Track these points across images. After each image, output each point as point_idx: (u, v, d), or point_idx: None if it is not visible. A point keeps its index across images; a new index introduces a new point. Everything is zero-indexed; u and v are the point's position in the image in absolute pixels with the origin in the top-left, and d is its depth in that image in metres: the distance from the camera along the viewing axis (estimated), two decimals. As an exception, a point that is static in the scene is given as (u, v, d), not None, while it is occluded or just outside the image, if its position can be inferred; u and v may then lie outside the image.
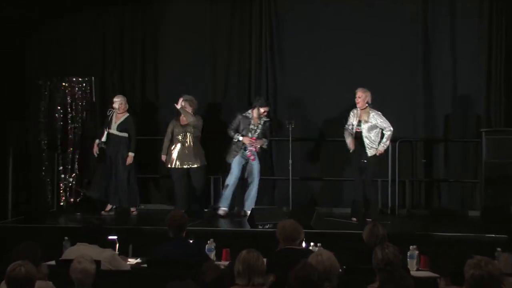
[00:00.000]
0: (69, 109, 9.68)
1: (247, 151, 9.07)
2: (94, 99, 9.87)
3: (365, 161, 8.63)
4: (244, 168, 9.20)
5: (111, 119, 9.26)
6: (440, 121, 9.89)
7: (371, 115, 8.67)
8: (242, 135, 9.05)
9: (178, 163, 9.10)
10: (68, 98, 9.67)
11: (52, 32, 10.26)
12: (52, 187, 9.61)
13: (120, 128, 9.24)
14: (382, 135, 8.72)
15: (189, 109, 9.06)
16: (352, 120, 8.77)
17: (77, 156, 9.75)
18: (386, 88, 9.62)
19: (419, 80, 9.87)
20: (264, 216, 8.13)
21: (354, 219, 8.74)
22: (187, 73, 10.18)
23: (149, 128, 10.07)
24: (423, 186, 9.93)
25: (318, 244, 5.97)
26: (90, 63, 10.23)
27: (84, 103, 9.77)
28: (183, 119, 9.13)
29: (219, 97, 10.28)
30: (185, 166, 9.09)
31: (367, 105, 8.68)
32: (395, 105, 9.60)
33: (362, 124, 8.69)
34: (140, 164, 9.66)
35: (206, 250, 5.95)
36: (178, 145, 9.12)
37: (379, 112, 8.69)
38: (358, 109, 8.75)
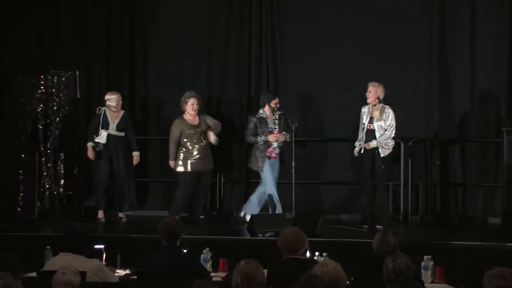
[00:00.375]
0: (51, 105, 9.70)
1: (270, 148, 9.06)
2: (78, 94, 9.86)
3: (378, 162, 8.63)
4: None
5: (106, 118, 9.19)
6: (457, 119, 9.91)
7: (384, 112, 8.67)
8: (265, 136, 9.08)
9: (194, 166, 9.15)
10: (51, 94, 9.67)
11: (34, 24, 10.29)
12: (33, 191, 9.61)
13: (120, 127, 9.23)
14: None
15: (195, 108, 9.16)
16: (364, 117, 8.78)
17: (62, 157, 9.74)
18: (398, 83, 9.65)
19: (434, 75, 9.91)
20: (265, 223, 8.13)
21: (365, 226, 8.75)
22: (180, 69, 10.24)
23: (139, 127, 10.10)
24: (438, 190, 9.95)
25: (324, 254, 5.97)
26: (73, 56, 10.26)
27: (68, 99, 9.76)
28: (194, 119, 9.18)
29: (215, 96, 10.32)
30: (200, 169, 9.16)
31: (377, 101, 8.68)
32: (407, 102, 9.63)
33: (374, 121, 8.69)
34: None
35: (201, 260, 5.95)
36: (195, 147, 9.15)
37: (392, 112, 8.69)
38: (370, 105, 8.75)
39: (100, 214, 9.24)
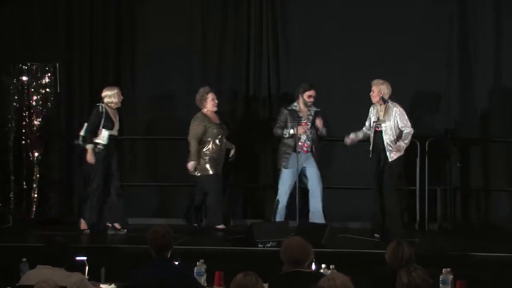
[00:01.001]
0: (27, 101, 9.73)
1: (301, 141, 9.09)
2: (58, 89, 9.88)
3: (387, 166, 8.69)
4: (302, 174, 9.25)
5: (109, 116, 9.12)
6: (479, 117, 9.95)
7: (392, 112, 8.73)
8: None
9: (218, 169, 9.24)
10: (28, 88, 9.71)
11: (9, 12, 10.31)
12: (3, 197, 9.62)
13: (119, 126, 9.26)
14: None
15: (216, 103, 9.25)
16: (372, 117, 8.86)
17: (39, 157, 9.76)
18: (413, 78, 9.72)
19: (454, 69, 9.94)
20: (266, 232, 8.17)
21: (377, 235, 8.77)
22: (171, 62, 10.30)
23: (125, 126, 10.13)
24: (458, 196, 9.97)
25: (331, 266, 5.98)
26: (53, 47, 10.28)
27: (47, 94, 9.77)
28: (216, 117, 9.26)
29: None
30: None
31: (381, 100, 8.75)
32: (424, 98, 9.68)
33: (382, 121, 8.75)
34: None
35: (195, 273, 5.96)
36: (218, 148, 9.21)
37: (403, 110, 8.73)
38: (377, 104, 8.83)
39: (84, 225, 9.17)
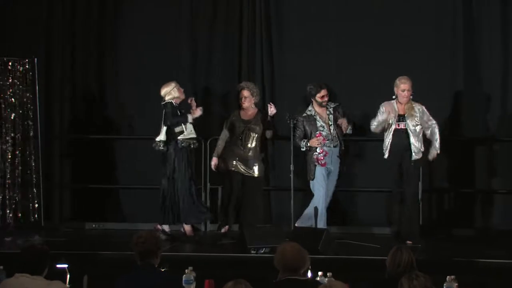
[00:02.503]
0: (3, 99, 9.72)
1: (315, 153, 9.04)
2: (37, 86, 9.87)
3: (411, 167, 8.74)
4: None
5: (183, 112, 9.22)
6: (487, 115, 9.97)
7: (417, 108, 8.77)
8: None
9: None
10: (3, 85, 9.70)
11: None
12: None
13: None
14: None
15: (251, 101, 9.30)
16: (386, 115, 8.81)
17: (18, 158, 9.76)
18: (417, 73, 9.64)
19: (459, 64, 9.98)
20: (258, 238, 8.19)
21: (409, 242, 8.70)
22: (158, 54, 10.31)
23: (108, 124, 10.17)
24: (465, 199, 10.00)
25: (328, 274, 5.98)
26: (31, 41, 10.27)
27: (24, 91, 9.79)
28: (246, 114, 9.34)
29: (200, 86, 10.35)
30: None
31: (411, 97, 8.82)
32: (429, 95, 9.64)
33: (406, 119, 8.76)
34: (97, 171, 9.88)
35: (183, 282, 5.95)
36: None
37: (423, 107, 8.81)
38: (394, 101, 8.85)
39: (190, 231, 9.23)
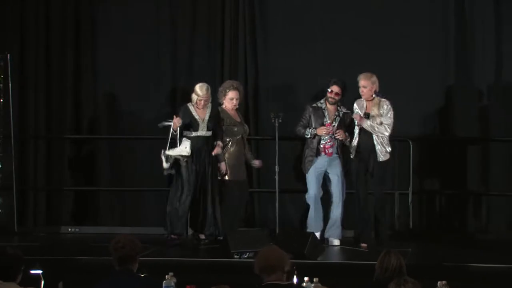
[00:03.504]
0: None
1: (322, 142, 9.05)
2: (10, 83, 9.82)
3: (376, 168, 8.74)
4: (326, 179, 9.22)
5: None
6: (478, 113, 9.99)
7: (384, 107, 8.78)
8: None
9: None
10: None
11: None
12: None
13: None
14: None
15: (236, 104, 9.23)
16: (358, 113, 8.88)
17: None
18: (405, 69, 9.77)
19: (450, 62, 10.00)
20: (242, 242, 8.17)
21: (364, 244, 8.79)
22: (137, 53, 10.30)
23: (87, 124, 10.15)
24: (455, 201, 10.01)
25: (315, 279, 5.96)
26: (4, 36, 10.24)
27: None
28: (236, 115, 9.30)
29: (180, 85, 10.32)
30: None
31: (375, 95, 8.78)
32: (416, 93, 9.73)
33: (370, 118, 8.78)
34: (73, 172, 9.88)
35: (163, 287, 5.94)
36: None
37: (392, 108, 8.78)
38: (364, 99, 8.89)
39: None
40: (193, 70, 10.28)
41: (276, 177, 8.99)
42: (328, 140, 9.04)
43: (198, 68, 10.27)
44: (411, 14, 9.96)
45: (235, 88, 9.20)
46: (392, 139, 8.96)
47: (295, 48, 10.10)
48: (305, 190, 9.23)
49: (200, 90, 8.96)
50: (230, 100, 9.17)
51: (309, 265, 7.37)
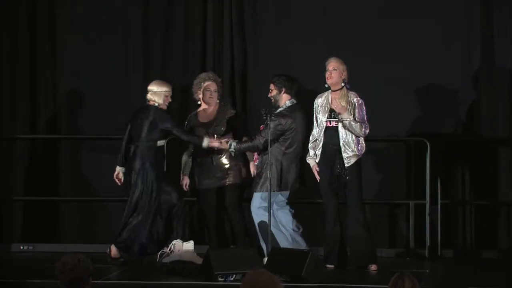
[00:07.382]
0: None
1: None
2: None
3: (343, 174, 8.68)
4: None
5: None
6: (509, 110, 9.95)
7: (352, 102, 8.71)
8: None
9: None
10: None
11: None
12: None
13: None
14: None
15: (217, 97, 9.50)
16: (320, 110, 8.85)
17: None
18: (409, 65, 9.86)
19: (475, 57, 9.96)
20: (227, 262, 8.13)
21: (330, 266, 8.80)
22: (106, 42, 10.44)
23: (48, 125, 10.31)
24: (483, 213, 9.96)
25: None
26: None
27: None
28: (210, 113, 9.48)
29: (153, 76, 10.19)
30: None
31: (343, 84, 8.74)
32: (426, 90, 9.83)
33: (337, 114, 8.67)
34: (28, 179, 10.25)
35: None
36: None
37: (361, 101, 8.74)
38: (329, 92, 8.77)
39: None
40: (168, 62, 10.40)
41: (269, 183, 8.83)
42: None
43: (174, 60, 10.39)
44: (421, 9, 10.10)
45: (209, 79, 9.43)
46: (406, 139, 9.36)
47: (288, 37, 10.28)
48: (309, 200, 9.48)
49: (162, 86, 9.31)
50: (206, 91, 9.40)
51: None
